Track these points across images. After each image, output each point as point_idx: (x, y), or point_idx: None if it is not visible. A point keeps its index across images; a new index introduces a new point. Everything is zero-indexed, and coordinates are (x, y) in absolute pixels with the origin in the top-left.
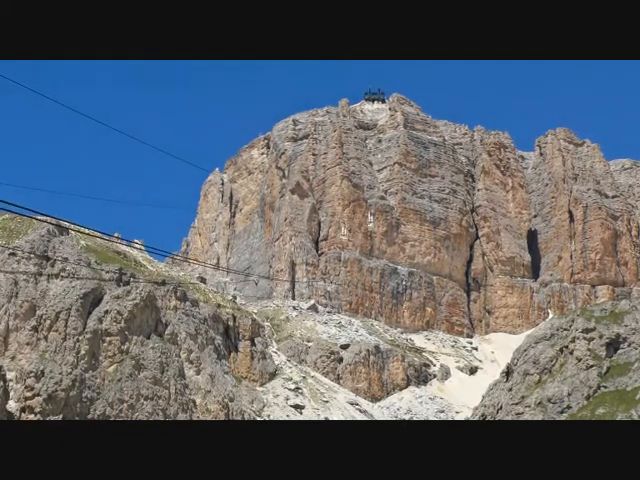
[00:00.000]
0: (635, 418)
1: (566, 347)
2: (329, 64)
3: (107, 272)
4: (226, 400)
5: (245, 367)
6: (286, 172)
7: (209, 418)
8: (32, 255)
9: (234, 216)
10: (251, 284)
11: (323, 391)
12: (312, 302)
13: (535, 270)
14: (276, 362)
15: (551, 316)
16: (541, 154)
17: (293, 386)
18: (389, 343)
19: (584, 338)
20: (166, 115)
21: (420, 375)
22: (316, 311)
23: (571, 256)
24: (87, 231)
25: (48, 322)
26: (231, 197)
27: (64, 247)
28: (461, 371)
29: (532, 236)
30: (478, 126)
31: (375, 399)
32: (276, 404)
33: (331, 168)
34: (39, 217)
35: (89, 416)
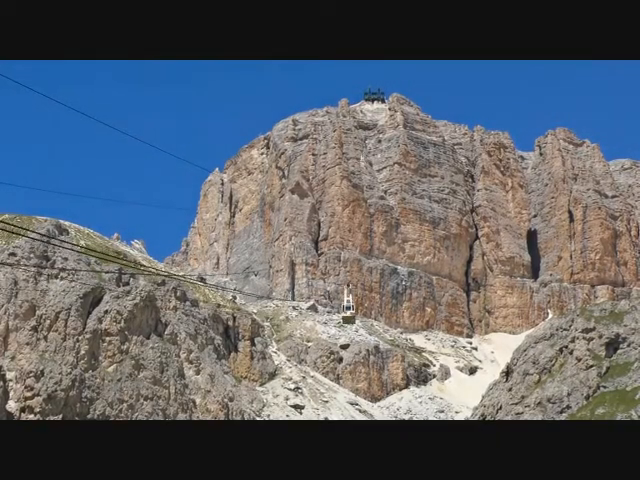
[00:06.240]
0: (635, 418)
1: (566, 347)
2: (329, 64)
3: (107, 272)
4: (226, 400)
5: (245, 367)
6: (286, 172)
7: (209, 418)
8: (32, 255)
9: (234, 216)
10: (251, 284)
11: (323, 391)
12: (312, 302)
13: (535, 270)
14: (276, 362)
15: (551, 316)
16: (541, 154)
17: (293, 386)
18: (389, 343)
19: (584, 338)
20: (166, 115)
21: (420, 375)
22: (316, 311)
23: (571, 256)
24: (87, 231)
25: (48, 322)
26: (231, 197)
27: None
28: (461, 371)
29: (532, 236)
30: (478, 126)
31: (375, 399)
32: (276, 404)
33: (331, 168)
34: (35, 223)
35: (89, 416)
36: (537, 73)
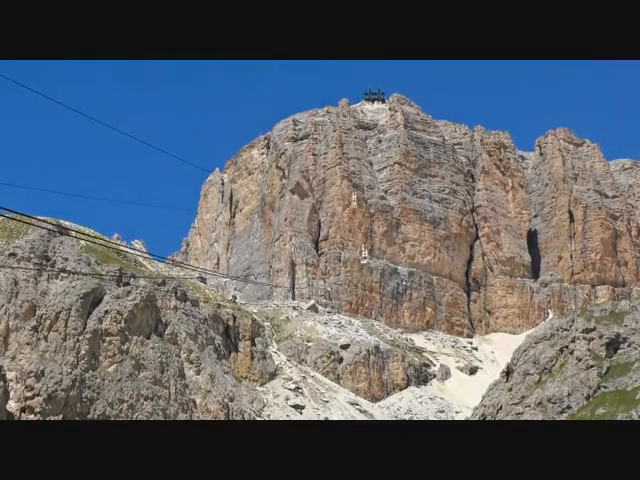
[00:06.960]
0: (635, 418)
1: (566, 347)
2: (329, 64)
3: (107, 272)
4: (226, 400)
5: (245, 367)
6: (286, 172)
7: (209, 418)
8: (32, 255)
9: (234, 216)
10: (251, 284)
11: (323, 391)
12: (312, 302)
13: (535, 270)
14: (276, 362)
15: (551, 316)
16: (541, 154)
17: (293, 386)
18: (389, 343)
19: (584, 338)
20: (166, 115)
21: (420, 375)
22: (316, 311)
23: (571, 256)
24: (87, 231)
25: (48, 322)
26: (231, 197)
27: (64, 247)
28: (461, 371)
29: (532, 236)
30: (478, 126)
31: (375, 399)
32: (276, 404)
33: (331, 168)
34: (35, 222)
35: (89, 416)
36: (537, 73)
